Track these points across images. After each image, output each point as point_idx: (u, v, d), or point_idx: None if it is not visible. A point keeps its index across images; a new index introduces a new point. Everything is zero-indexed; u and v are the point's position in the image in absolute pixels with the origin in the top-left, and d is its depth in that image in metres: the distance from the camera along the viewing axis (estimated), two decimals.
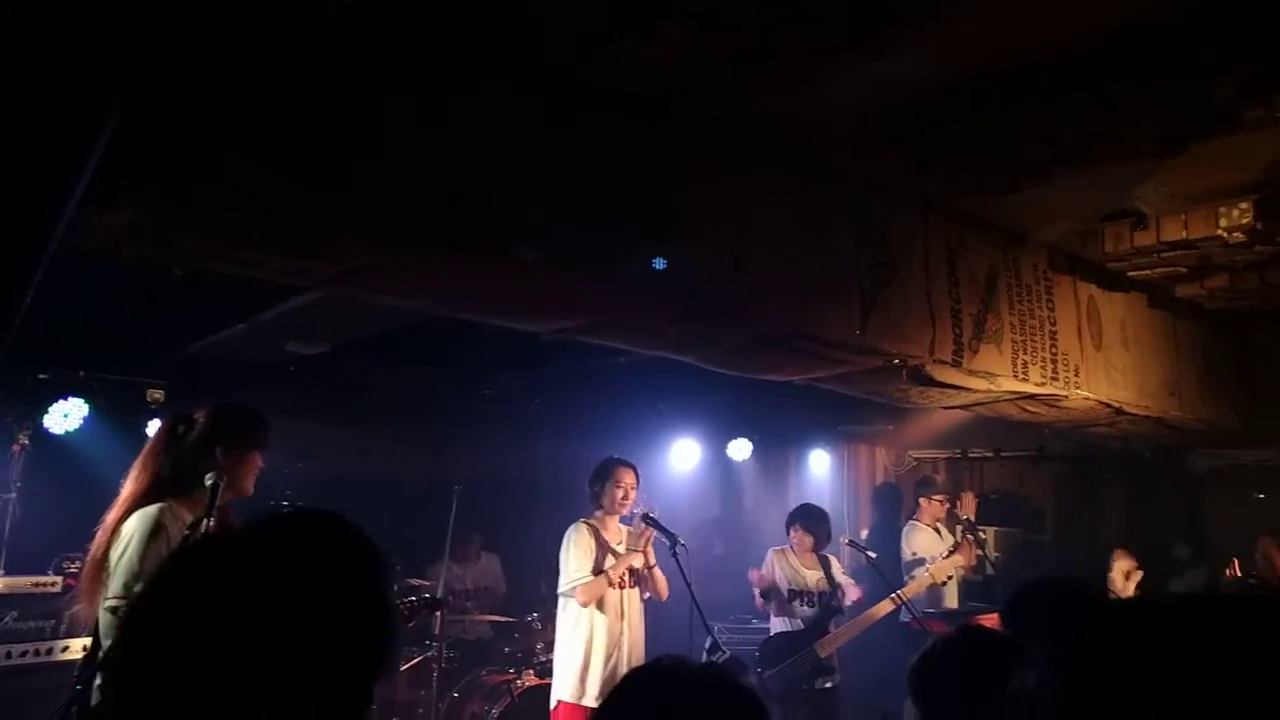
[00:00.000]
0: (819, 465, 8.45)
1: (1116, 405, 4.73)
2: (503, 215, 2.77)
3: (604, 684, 4.17)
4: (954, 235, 4.09)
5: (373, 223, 2.58)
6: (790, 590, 5.22)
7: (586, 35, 2.67)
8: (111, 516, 2.66)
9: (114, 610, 2.50)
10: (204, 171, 2.26)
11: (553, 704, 4.31)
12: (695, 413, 7.43)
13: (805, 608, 5.19)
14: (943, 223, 4.05)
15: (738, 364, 3.86)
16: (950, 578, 5.58)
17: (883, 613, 5.12)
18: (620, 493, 4.37)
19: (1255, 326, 5.64)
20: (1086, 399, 4.57)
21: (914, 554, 5.79)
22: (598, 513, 4.46)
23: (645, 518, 4.40)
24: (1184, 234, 4.12)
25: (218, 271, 2.81)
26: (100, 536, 2.64)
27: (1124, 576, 5.39)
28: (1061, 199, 3.88)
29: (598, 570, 4.28)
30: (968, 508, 6.10)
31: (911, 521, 6.13)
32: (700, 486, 8.15)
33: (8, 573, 4.52)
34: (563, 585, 4.34)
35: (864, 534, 7.14)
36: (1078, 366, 4.50)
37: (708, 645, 4.17)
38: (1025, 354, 4.27)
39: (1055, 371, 4.39)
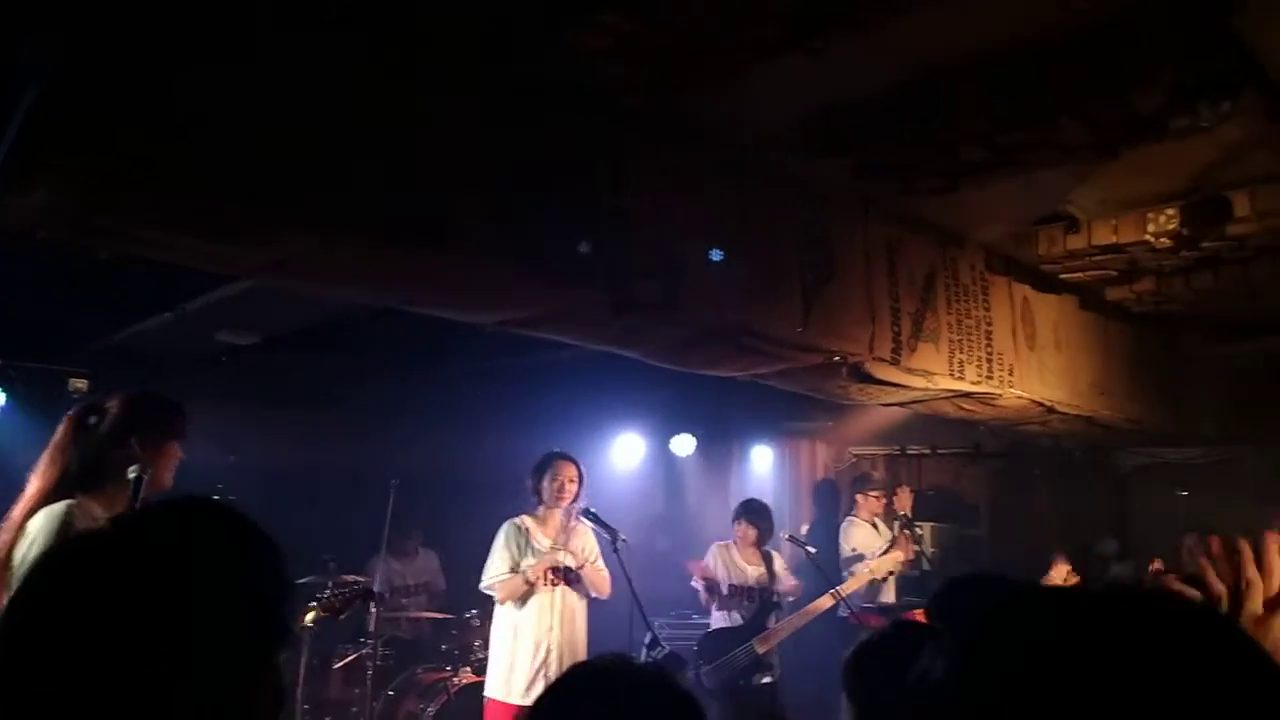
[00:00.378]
0: (761, 461, 8.52)
1: (1049, 404, 4.85)
2: (444, 206, 2.72)
3: (531, 681, 4.16)
4: (894, 235, 4.15)
5: (308, 210, 2.51)
6: (731, 585, 5.25)
7: (525, 27, 2.64)
8: (16, 513, 2.50)
9: None
10: (127, 153, 2.17)
11: (486, 701, 4.31)
12: (639, 408, 7.43)
13: (745, 603, 5.23)
14: (883, 222, 4.10)
15: (681, 359, 3.86)
16: (891, 573, 5.67)
17: (822, 608, 5.17)
18: (558, 486, 4.34)
19: (1180, 329, 5.84)
20: (1020, 398, 4.67)
21: (853, 550, 5.87)
22: (539, 508, 4.43)
23: (585, 512, 4.38)
24: (1114, 238, 4.24)
25: (143, 258, 2.72)
26: (4, 535, 2.50)
27: (1061, 581, 5.53)
28: (998, 202, 3.96)
29: (517, 568, 4.27)
30: (904, 503, 6.21)
31: (850, 517, 6.21)
32: (643, 482, 8.15)
33: None
34: (482, 583, 4.36)
35: (804, 529, 7.22)
36: (1012, 366, 4.60)
37: (647, 641, 4.17)
38: (962, 353, 4.35)
39: (990, 371, 4.48)
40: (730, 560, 5.32)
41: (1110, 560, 7.11)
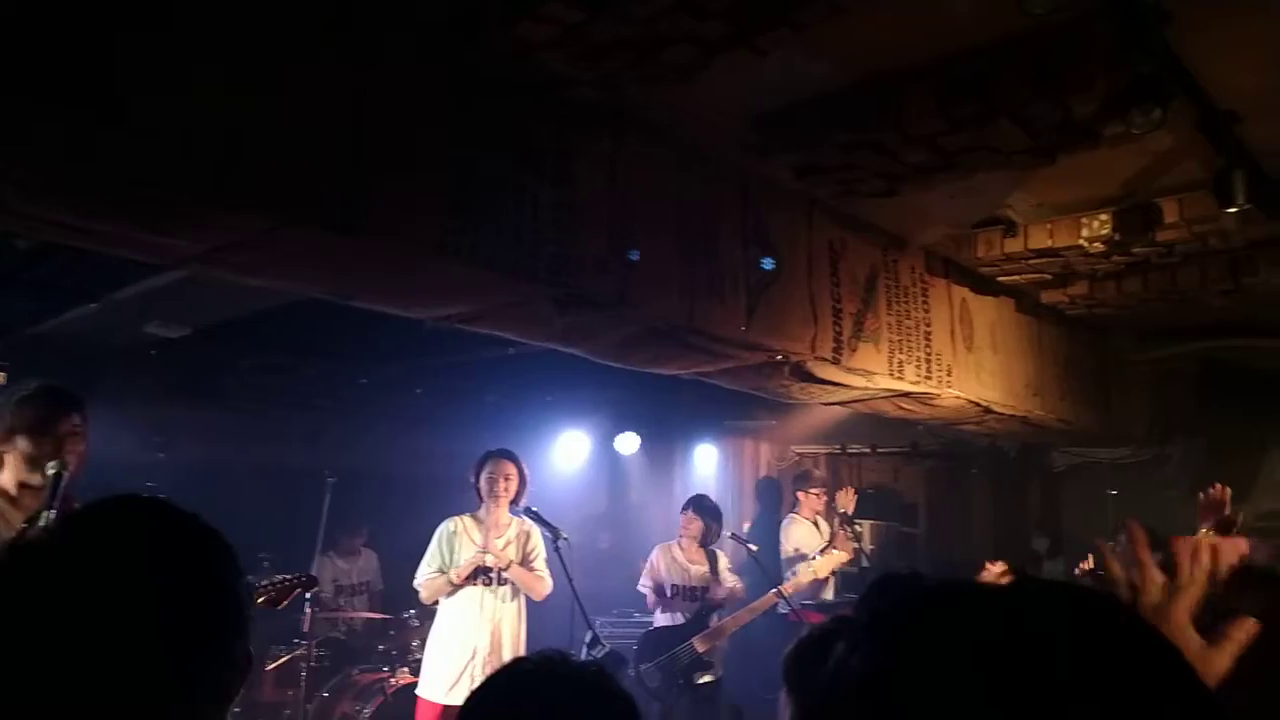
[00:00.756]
0: (705, 460, 8.55)
1: (985, 404, 4.94)
2: (386, 197, 2.66)
3: (456, 681, 4.13)
4: (837, 236, 4.18)
5: (243, 196, 2.43)
6: (674, 585, 5.25)
7: (473, 16, 2.59)
8: None
9: None
10: (44, 131, 2.07)
11: (417, 700, 4.29)
12: (584, 405, 7.39)
13: (688, 603, 5.23)
14: (827, 223, 4.14)
15: (625, 357, 3.84)
16: (833, 573, 5.73)
17: (764, 607, 5.20)
18: (498, 483, 4.30)
19: (1111, 333, 6.00)
20: (958, 398, 4.75)
21: (795, 550, 5.91)
22: (481, 507, 4.38)
23: (527, 511, 4.35)
24: (1050, 242, 4.33)
25: (66, 245, 2.61)
26: None
27: (995, 578, 5.64)
28: (938, 205, 4.02)
29: (445, 569, 4.23)
30: (848, 503, 6.25)
31: (791, 515, 6.26)
32: (587, 480, 8.13)
33: None
34: (415, 581, 4.33)
35: (746, 527, 7.26)
36: (950, 366, 4.68)
37: (587, 639, 4.15)
38: (901, 353, 4.41)
39: (929, 371, 4.55)
40: (673, 560, 5.32)
41: (1043, 557, 7.30)
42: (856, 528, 6.02)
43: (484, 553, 4.24)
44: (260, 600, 4.51)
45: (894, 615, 0.61)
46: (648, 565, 5.35)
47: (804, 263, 4.01)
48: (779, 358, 3.92)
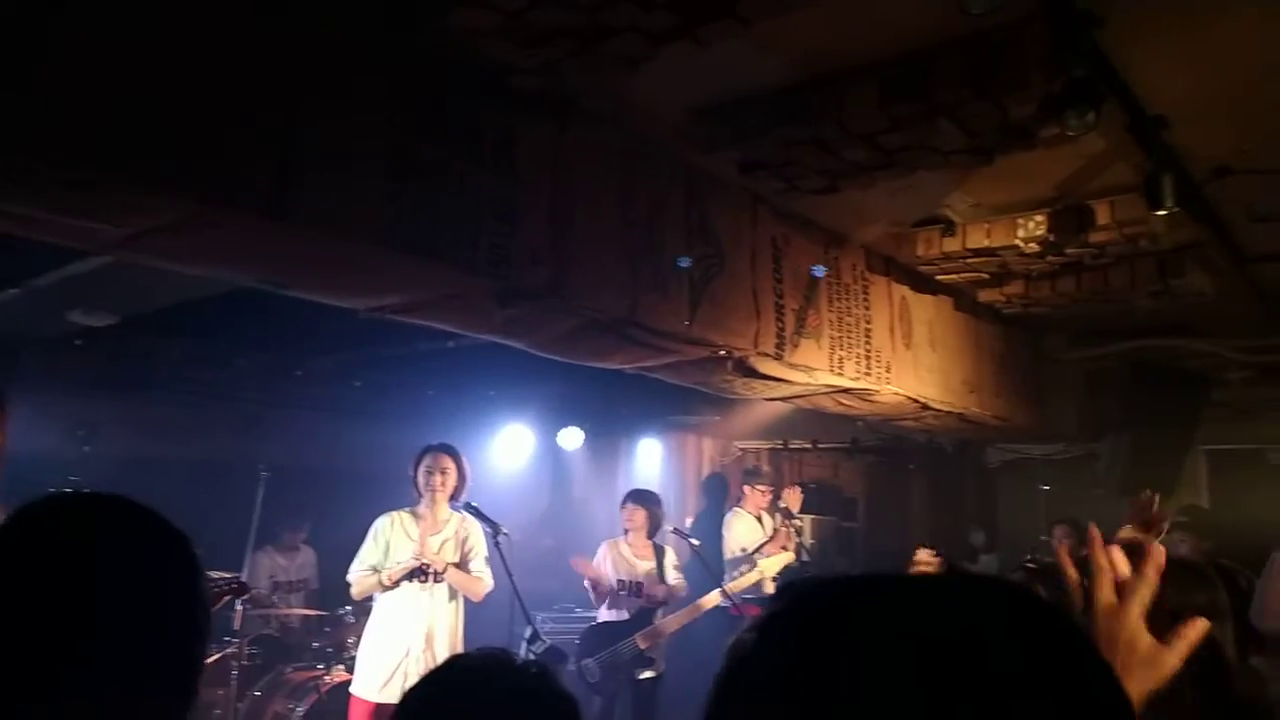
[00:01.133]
0: (649, 455, 8.55)
1: (923, 401, 5.02)
2: (322, 183, 2.58)
3: (389, 679, 4.06)
4: (780, 232, 4.21)
5: (173, 179, 2.34)
6: (619, 580, 5.21)
7: (414, 2, 2.54)
8: None
9: None
10: None
11: (350, 698, 4.22)
12: (526, 400, 7.33)
13: (633, 598, 5.19)
14: (770, 220, 4.16)
15: (567, 350, 3.81)
16: (780, 573, 5.74)
17: (710, 604, 5.18)
18: (436, 478, 4.23)
19: (1045, 331, 6.15)
20: (896, 394, 4.82)
21: (742, 550, 5.90)
22: (420, 502, 4.31)
23: (467, 506, 4.29)
24: (987, 242, 4.41)
25: None
26: None
27: (925, 569, 5.72)
28: (879, 203, 4.06)
29: (379, 565, 4.16)
30: (794, 502, 6.27)
31: (735, 509, 6.27)
32: (530, 475, 8.07)
33: None
34: (348, 575, 4.27)
35: (689, 522, 7.27)
36: (889, 363, 4.74)
37: (527, 635, 4.11)
38: (842, 350, 4.45)
39: (869, 367, 4.60)
40: (619, 556, 5.27)
41: (979, 551, 7.45)
42: (797, 522, 6.07)
43: (418, 559, 4.16)
44: None
45: (817, 603, 0.59)
46: (593, 561, 5.31)
47: (747, 258, 4.02)
48: (722, 353, 3.93)
